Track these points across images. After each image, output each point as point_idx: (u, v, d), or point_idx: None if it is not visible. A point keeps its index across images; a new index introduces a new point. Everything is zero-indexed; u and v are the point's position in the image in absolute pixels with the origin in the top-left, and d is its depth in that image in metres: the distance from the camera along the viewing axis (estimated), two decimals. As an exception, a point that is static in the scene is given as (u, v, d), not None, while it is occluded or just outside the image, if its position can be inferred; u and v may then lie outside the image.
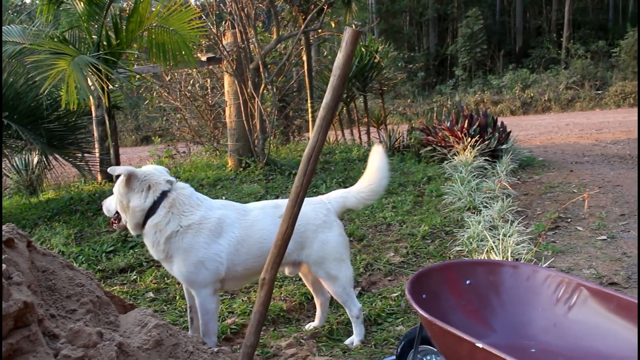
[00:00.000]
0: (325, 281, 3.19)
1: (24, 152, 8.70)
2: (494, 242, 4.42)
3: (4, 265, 1.66)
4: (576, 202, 6.35)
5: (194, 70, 10.74)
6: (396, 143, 10.33)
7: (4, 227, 1.93)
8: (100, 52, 7.08)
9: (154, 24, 7.18)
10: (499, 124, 9.49)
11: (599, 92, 26.22)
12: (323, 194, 6.82)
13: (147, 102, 12.28)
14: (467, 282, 2.57)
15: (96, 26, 7.43)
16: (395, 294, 3.96)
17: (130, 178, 2.86)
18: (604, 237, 5.19)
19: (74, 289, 2.11)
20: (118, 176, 2.93)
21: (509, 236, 4.61)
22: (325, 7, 8.72)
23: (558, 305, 2.48)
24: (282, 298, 3.98)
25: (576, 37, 33.64)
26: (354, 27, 11.04)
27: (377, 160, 3.37)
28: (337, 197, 3.36)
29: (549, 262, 4.37)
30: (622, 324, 2.27)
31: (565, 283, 2.49)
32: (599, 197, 6.79)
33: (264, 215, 3.10)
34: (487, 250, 4.36)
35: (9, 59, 7.21)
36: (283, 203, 3.13)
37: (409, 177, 7.84)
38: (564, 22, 34.85)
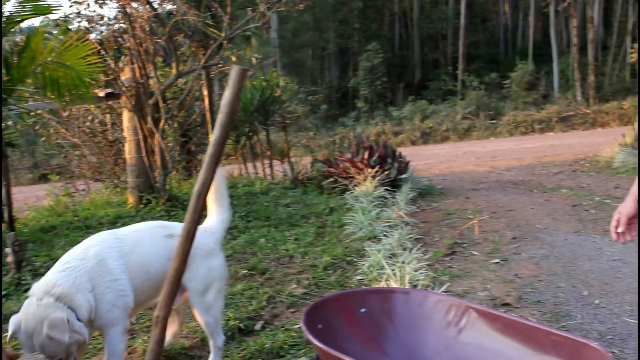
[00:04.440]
0: (199, 309, 3.17)
1: None
2: (392, 270, 4.52)
3: None
4: (471, 227, 6.60)
5: (93, 105, 10.51)
6: (299, 175, 10.42)
7: None
8: (-10, 89, 6.83)
9: (49, 59, 7.00)
10: (398, 154, 9.75)
11: (493, 121, 27.39)
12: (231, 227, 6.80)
13: (43, 139, 11.89)
14: (362, 310, 2.63)
15: (-15, 62, 7.17)
16: (297, 326, 3.98)
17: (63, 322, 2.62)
18: (497, 260, 5.41)
19: (-44, 336, 2.03)
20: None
21: (407, 263, 4.72)
22: (225, 42, 8.75)
23: (449, 328, 2.58)
24: (184, 335, 3.93)
25: (471, 70, 35.17)
26: (254, 60, 11.19)
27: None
28: (220, 225, 3.37)
29: (445, 286, 4.51)
30: (507, 342, 2.38)
31: (455, 306, 2.59)
32: (493, 222, 7.08)
33: (145, 236, 3.08)
34: (386, 278, 4.46)
35: None
36: (169, 225, 3.20)
37: (312, 208, 7.93)
38: (458, 56, 36.39)
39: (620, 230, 2.56)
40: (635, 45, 23.75)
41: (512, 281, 4.80)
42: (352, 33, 40.85)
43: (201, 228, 3.23)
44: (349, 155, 9.45)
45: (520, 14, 42.69)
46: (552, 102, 28.86)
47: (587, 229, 6.50)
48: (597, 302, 4.25)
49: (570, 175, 11.31)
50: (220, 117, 1.98)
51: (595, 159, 12.83)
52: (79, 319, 2.70)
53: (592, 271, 4.99)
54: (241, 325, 3.96)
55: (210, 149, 1.99)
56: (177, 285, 2.16)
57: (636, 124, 12.51)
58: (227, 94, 1.95)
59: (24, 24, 7.74)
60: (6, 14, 6.45)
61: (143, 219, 7.16)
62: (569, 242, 5.97)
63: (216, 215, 3.38)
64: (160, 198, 7.82)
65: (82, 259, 2.85)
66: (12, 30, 7.19)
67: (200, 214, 2.12)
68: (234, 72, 1.94)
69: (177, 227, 3.19)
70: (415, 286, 4.33)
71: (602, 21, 35.61)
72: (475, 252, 5.74)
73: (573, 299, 4.33)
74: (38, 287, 2.74)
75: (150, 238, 3.08)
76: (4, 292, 4.82)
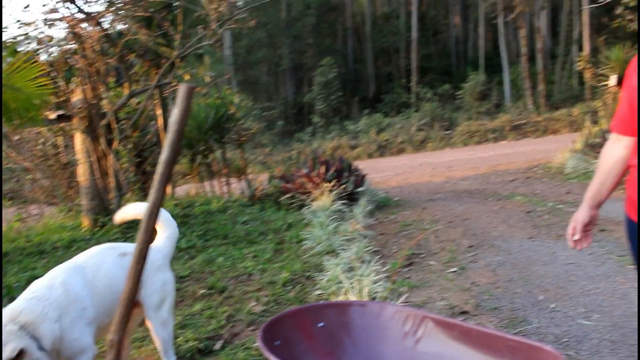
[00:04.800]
0: (156, 324, 3.20)
1: None
2: (351, 283, 4.53)
3: None
4: (428, 238, 6.66)
5: (44, 128, 10.34)
6: (256, 192, 10.39)
7: None
8: (-64, 114, 6.67)
9: (-4, 83, 6.86)
10: (354, 167, 9.81)
11: (448, 132, 27.71)
12: (183, 248, 6.75)
13: (-7, 163, 11.63)
14: (320, 324, 2.62)
15: None
16: (257, 344, 3.96)
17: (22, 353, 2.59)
18: (455, 269, 5.47)
19: None
20: None
21: (365, 276, 4.74)
22: (177, 61, 8.71)
23: (407, 338, 2.59)
24: (142, 358, 3.88)
25: (424, 82, 35.60)
26: (208, 78, 11.13)
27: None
28: (167, 241, 3.42)
29: (404, 297, 4.53)
30: (465, 350, 2.40)
31: (412, 317, 2.60)
32: (449, 231, 7.16)
33: (102, 259, 3.08)
34: (345, 292, 4.47)
35: None
36: (118, 245, 3.24)
37: (270, 225, 7.91)
38: (411, 68, 36.83)
39: (576, 237, 2.61)
40: (582, 53, 24.41)
41: (469, 289, 4.86)
42: (306, 48, 41.01)
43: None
44: (305, 171, 9.47)
45: (470, 25, 43.46)
46: (505, 111, 29.36)
47: (542, 235, 6.62)
48: (552, 306, 4.32)
49: (524, 182, 11.50)
50: (170, 136, 1.97)
51: (547, 166, 13.08)
52: (42, 349, 2.66)
53: (547, 276, 5.08)
54: (200, 345, 3.93)
55: (160, 168, 1.97)
56: (130, 308, 2.13)
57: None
58: (176, 112, 1.94)
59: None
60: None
61: (98, 242, 7.04)
62: (524, 248, 6.06)
63: (162, 232, 3.40)
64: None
65: (49, 287, 2.85)
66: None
67: (152, 234, 2.10)
68: (182, 90, 1.93)
69: (126, 246, 3.28)
70: (373, 298, 4.35)
71: (549, 31, 36.47)
72: (432, 262, 5.79)
73: (529, 304, 4.40)
74: (4, 314, 2.71)
75: (107, 260, 3.12)
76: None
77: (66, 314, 2.79)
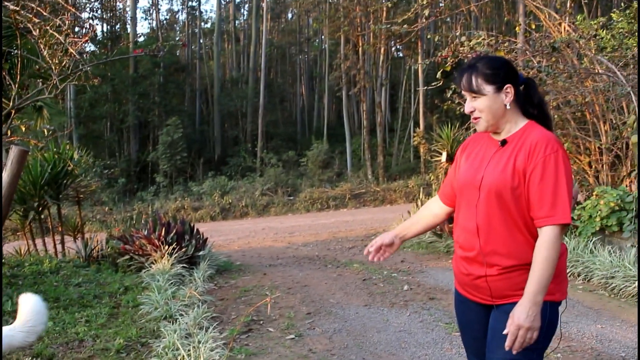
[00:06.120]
0: None
1: None
2: (188, 351, 4.45)
3: None
4: (266, 304, 6.69)
5: None
6: (93, 252, 9.97)
7: None
8: None
9: None
10: (196, 230, 9.70)
11: (291, 197, 28.18)
12: (9, 312, 6.30)
13: None
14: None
15: None
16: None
17: None
18: (293, 336, 5.53)
19: None
20: None
21: (204, 343, 4.68)
22: (13, 112, 8.30)
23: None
24: None
25: (269, 147, 36.22)
26: (46, 132, 10.66)
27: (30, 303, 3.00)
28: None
29: (241, 365, 4.52)
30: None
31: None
32: (289, 297, 7.23)
33: None
34: (181, 360, 4.37)
35: None
36: None
37: (105, 288, 7.58)
38: (258, 133, 37.39)
39: (371, 250, 2.90)
40: (418, 129, 25.97)
41: (306, 356, 4.93)
42: (152, 107, 40.39)
43: None
44: (145, 232, 9.23)
45: (316, 96, 45.08)
46: (346, 180, 30.37)
47: (376, 302, 6.86)
48: (384, 373, 4.47)
49: (362, 249, 11.75)
50: None
51: (384, 234, 13.59)
52: None
53: (381, 342, 5.27)
54: (20, 419, 3.67)
55: (-13, 232, 1.87)
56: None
57: None
58: (6, 176, 1.87)
59: None
60: None
61: None
62: (360, 315, 6.25)
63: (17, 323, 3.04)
64: None
65: None
66: None
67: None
68: (13, 153, 1.86)
69: None
70: (210, 366, 4.29)
71: (389, 107, 38.59)
72: (271, 329, 5.82)
73: (363, 372, 4.53)
74: None
75: None
76: None
77: None
